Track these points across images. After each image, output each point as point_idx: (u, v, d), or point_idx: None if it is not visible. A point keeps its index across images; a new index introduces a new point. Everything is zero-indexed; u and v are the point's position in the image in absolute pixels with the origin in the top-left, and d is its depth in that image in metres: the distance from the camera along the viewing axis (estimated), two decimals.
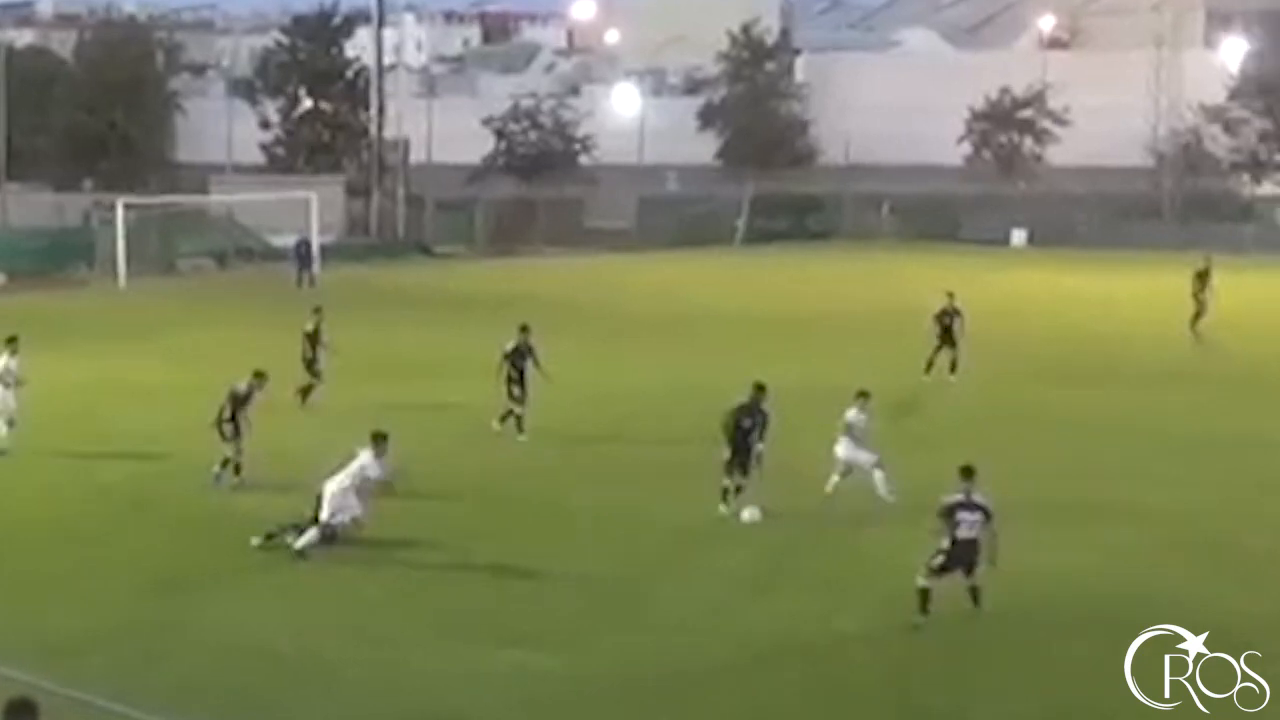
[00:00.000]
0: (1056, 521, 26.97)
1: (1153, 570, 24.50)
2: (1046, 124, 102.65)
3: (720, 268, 77.04)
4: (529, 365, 34.23)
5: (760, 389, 27.51)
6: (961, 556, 21.63)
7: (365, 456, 24.97)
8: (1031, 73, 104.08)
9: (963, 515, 21.61)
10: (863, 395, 28.21)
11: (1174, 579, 23.99)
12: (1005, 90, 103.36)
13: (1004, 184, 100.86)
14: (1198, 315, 51.39)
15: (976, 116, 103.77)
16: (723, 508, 27.13)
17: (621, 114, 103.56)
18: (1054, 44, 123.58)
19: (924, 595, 21.62)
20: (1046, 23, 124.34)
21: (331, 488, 24.80)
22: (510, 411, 34.11)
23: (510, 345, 34.44)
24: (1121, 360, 46.38)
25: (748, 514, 26.74)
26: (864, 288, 66.25)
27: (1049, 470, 31.17)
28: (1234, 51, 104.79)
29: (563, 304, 55.73)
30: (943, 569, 21.65)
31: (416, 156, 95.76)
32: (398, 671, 20.02)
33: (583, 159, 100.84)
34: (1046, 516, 26.98)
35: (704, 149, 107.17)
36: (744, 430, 27.05)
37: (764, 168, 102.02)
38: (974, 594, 21.86)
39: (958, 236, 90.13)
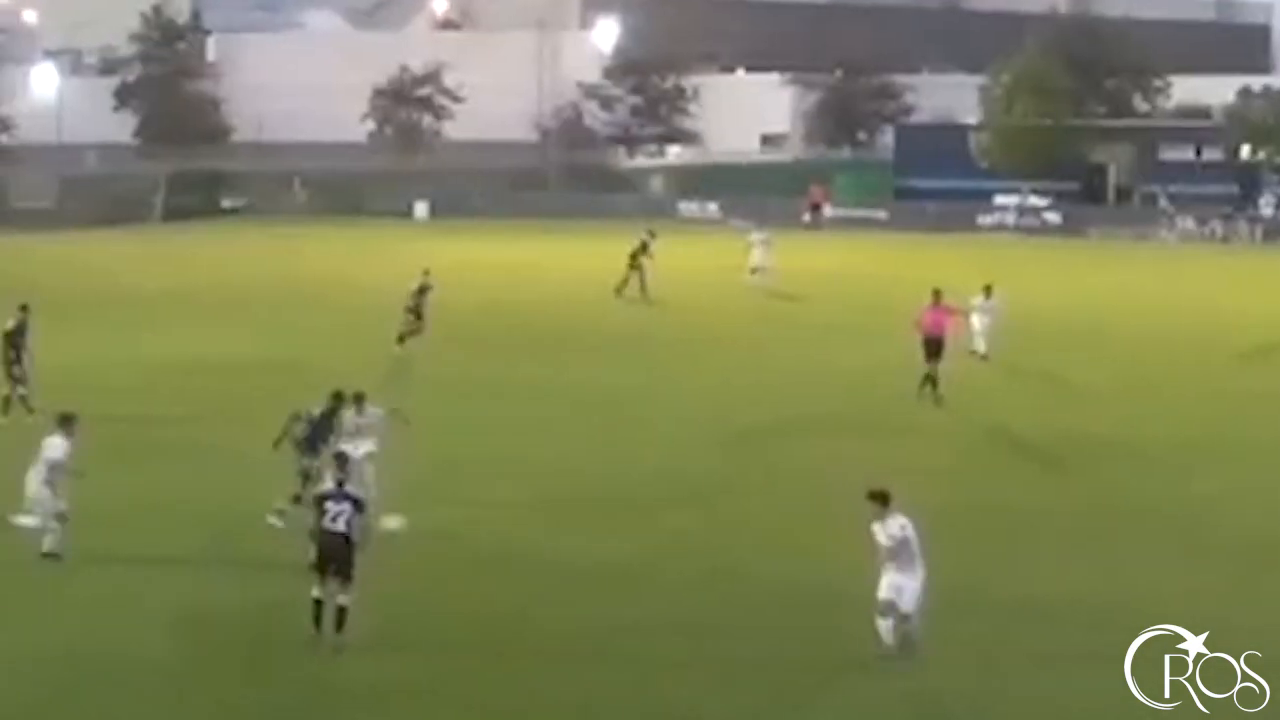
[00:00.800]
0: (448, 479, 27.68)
1: (515, 523, 25.75)
2: (443, 101, 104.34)
3: (143, 245, 76.03)
4: (27, 344, 33.25)
5: (337, 397, 25.34)
6: (333, 551, 19.94)
7: (53, 440, 23.21)
8: (427, 52, 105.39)
9: (330, 506, 20.10)
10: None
11: (531, 528, 25.44)
12: (404, 69, 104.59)
13: (405, 159, 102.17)
14: (626, 282, 53.22)
15: (378, 94, 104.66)
16: (275, 520, 24.62)
17: (40, 94, 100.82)
18: (446, 25, 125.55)
19: (316, 605, 20.01)
20: (439, 4, 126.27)
21: (31, 482, 23.14)
22: (11, 393, 32.94)
23: (10, 324, 33.47)
24: (537, 326, 47.60)
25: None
26: (283, 262, 66.18)
27: (452, 428, 31.65)
28: (608, 33, 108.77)
29: None
30: (319, 566, 20.00)
31: None
32: None
33: (3, 139, 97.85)
34: (437, 474, 27.66)
35: (122, 128, 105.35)
36: (316, 438, 24.79)
37: (180, 146, 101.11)
38: (339, 614, 19.90)
39: (363, 210, 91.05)
